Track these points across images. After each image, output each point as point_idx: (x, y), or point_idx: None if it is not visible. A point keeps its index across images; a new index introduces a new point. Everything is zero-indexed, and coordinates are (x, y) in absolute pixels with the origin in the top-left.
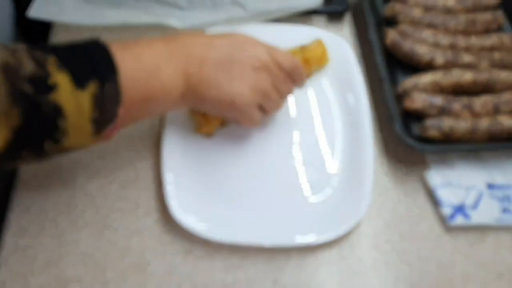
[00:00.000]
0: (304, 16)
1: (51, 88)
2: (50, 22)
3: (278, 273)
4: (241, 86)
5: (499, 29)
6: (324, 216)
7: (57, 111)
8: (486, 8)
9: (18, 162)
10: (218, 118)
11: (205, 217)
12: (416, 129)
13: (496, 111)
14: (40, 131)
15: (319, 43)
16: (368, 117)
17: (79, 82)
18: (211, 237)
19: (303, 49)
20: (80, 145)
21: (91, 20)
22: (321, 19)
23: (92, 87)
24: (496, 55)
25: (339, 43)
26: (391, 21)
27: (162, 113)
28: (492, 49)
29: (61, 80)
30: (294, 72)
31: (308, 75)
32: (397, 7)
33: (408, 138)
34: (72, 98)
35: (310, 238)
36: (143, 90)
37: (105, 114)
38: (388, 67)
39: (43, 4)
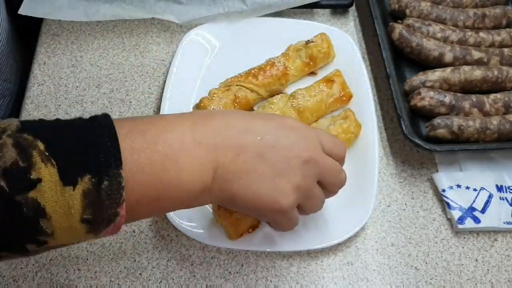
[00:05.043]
0: (307, 10)
1: (32, 183)
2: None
3: (279, 280)
4: (286, 184)
5: (509, 24)
6: (328, 219)
7: (38, 212)
8: (495, 3)
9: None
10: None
11: (203, 221)
12: (423, 128)
13: (506, 109)
14: (19, 234)
15: (324, 37)
16: (373, 116)
17: (68, 177)
18: (209, 242)
19: (307, 44)
20: (73, 242)
21: (86, 17)
22: (324, 13)
23: (84, 183)
24: (506, 52)
25: (343, 38)
26: (398, 16)
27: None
28: (502, 45)
29: (46, 173)
30: (343, 161)
31: (314, 71)
32: (404, 0)
33: (416, 137)
34: (57, 197)
35: (312, 243)
36: (153, 187)
37: (100, 215)
38: (394, 64)
39: (35, 1)
